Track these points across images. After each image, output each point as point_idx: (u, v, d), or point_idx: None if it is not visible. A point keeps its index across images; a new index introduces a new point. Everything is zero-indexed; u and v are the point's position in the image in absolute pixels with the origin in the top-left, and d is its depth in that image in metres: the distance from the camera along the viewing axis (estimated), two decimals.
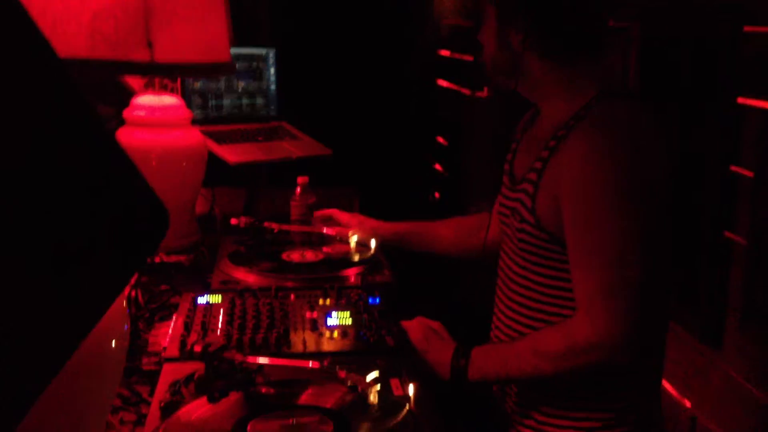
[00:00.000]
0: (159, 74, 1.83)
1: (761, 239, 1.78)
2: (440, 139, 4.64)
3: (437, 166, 4.65)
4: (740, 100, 1.85)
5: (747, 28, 1.86)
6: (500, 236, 1.56)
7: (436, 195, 4.59)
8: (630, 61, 2.41)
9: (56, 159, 0.55)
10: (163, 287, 1.76)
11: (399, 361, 1.36)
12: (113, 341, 0.96)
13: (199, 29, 1.60)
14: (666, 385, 2.04)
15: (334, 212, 2.00)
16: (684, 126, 2.13)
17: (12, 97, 0.52)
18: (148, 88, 1.97)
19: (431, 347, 1.43)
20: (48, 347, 0.55)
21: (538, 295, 1.41)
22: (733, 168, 1.89)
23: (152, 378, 1.33)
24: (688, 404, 1.70)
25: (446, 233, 1.89)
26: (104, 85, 2.09)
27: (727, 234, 1.91)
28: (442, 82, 4.60)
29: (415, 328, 1.47)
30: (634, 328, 1.24)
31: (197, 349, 1.27)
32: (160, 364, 1.36)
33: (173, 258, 1.91)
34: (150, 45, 1.50)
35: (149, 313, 1.62)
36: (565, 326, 1.30)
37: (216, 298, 1.61)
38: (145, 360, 1.41)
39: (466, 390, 1.39)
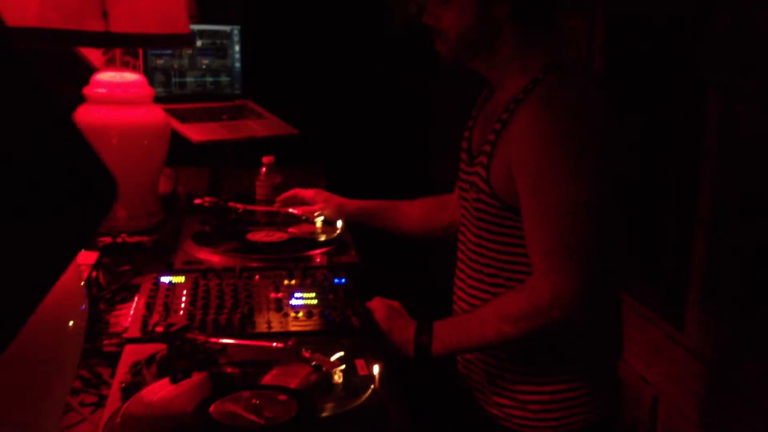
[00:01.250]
0: (114, 45, 1.79)
1: (723, 217, 1.80)
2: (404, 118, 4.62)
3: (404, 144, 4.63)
4: (705, 78, 1.86)
5: (711, 10, 1.87)
6: (459, 216, 1.59)
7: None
8: (595, 38, 2.41)
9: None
10: (125, 267, 1.73)
11: (364, 341, 1.35)
12: (71, 321, 0.93)
13: (156, 0, 1.56)
14: (628, 365, 2.06)
15: (296, 191, 1.99)
16: (649, 104, 2.14)
17: None
18: (110, 65, 1.93)
19: (395, 326, 1.44)
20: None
21: (495, 262, 1.46)
22: (698, 147, 1.90)
23: (113, 360, 1.31)
24: (650, 384, 1.73)
25: (411, 212, 1.90)
26: (62, 61, 2.04)
27: (691, 212, 1.93)
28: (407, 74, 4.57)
29: (379, 308, 1.48)
30: (589, 285, 1.30)
31: (159, 329, 1.25)
32: (121, 345, 1.33)
33: (135, 238, 1.88)
34: (105, 15, 1.46)
35: (111, 294, 1.59)
36: (525, 289, 1.35)
37: (179, 279, 1.59)
38: (106, 341, 1.38)
39: (431, 365, 1.41)
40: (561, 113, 1.33)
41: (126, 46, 1.89)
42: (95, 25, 1.47)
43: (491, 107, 1.53)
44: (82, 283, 1.03)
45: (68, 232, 0.58)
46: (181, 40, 1.72)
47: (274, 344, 1.25)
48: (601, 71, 2.39)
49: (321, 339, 1.33)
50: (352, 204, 1.94)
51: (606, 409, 1.50)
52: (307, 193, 1.97)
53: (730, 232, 1.78)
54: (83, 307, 0.99)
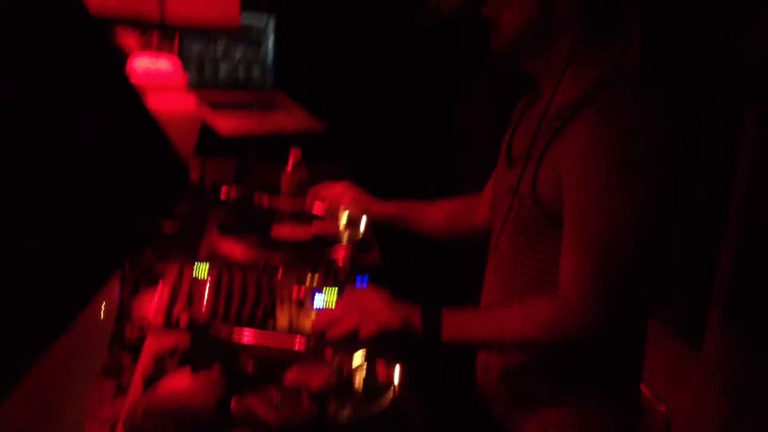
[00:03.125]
0: (169, 28, 1.80)
1: (750, 237, 1.78)
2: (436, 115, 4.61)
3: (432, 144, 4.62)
4: (740, 91, 1.84)
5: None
6: (489, 218, 1.57)
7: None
8: (632, 42, 2.39)
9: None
10: (149, 252, 1.74)
11: (385, 342, 1.35)
12: (103, 305, 0.94)
13: None
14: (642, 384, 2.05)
15: (324, 186, 1.97)
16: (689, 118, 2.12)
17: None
18: (146, 48, 1.93)
19: (397, 311, 1.39)
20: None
21: (529, 269, 1.42)
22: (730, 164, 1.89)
23: (135, 348, 1.32)
24: (662, 408, 1.72)
25: (435, 217, 1.88)
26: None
27: (719, 230, 1.91)
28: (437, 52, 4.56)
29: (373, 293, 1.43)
30: (623, 310, 1.28)
31: (183, 321, 1.26)
32: (143, 333, 1.34)
33: (162, 227, 1.89)
34: (161, 3, 1.46)
35: (135, 280, 1.60)
36: (557, 299, 1.31)
37: (203, 270, 1.59)
38: (128, 328, 1.39)
39: (439, 351, 1.38)
40: (621, 133, 1.28)
41: (180, 27, 1.90)
42: (152, 13, 1.48)
43: (537, 113, 1.50)
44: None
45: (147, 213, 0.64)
46: (232, 31, 1.73)
47: (297, 342, 1.26)
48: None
49: (342, 339, 1.33)
50: (376, 208, 1.92)
51: None
52: (336, 187, 1.96)
53: (756, 252, 1.77)
54: (116, 292, 0.99)
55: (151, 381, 1.16)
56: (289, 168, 2.11)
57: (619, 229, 1.27)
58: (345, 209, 1.92)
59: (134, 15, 1.45)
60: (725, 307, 1.85)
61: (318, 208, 1.97)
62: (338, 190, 1.94)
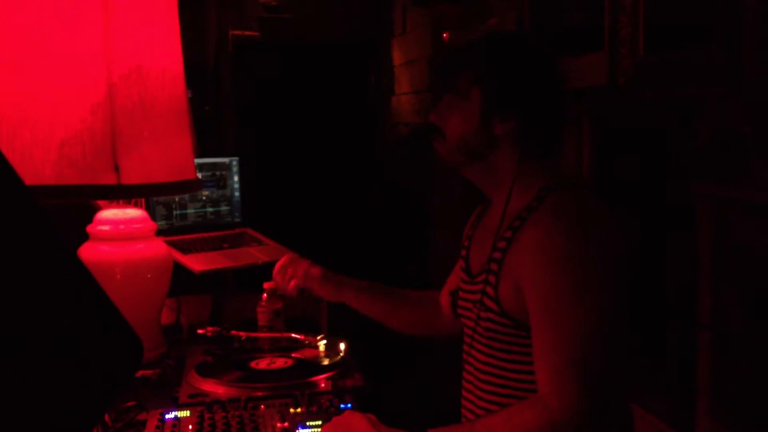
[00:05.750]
0: (127, 197, 1.86)
1: (725, 322, 1.81)
2: (405, 237, 4.68)
3: (410, 268, 4.67)
4: (692, 189, 1.91)
5: (694, 122, 1.94)
6: (454, 321, 1.60)
7: (411, 268, 4.57)
8: (584, 153, 2.49)
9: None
10: (130, 403, 1.72)
11: None
12: None
13: (165, 150, 1.62)
14: None
15: (289, 262, 1.91)
16: (641, 216, 2.19)
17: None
18: (112, 201, 1.98)
19: None
20: None
21: (506, 381, 1.44)
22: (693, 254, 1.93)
23: None
24: None
25: (402, 315, 1.87)
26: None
27: (692, 319, 1.94)
28: (403, 180, 4.68)
29: (358, 420, 1.42)
30: (600, 404, 1.30)
31: None
32: None
33: (139, 373, 1.87)
34: (117, 169, 1.52)
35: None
36: (538, 403, 1.32)
37: (184, 413, 1.58)
38: None
39: None
40: (571, 233, 1.33)
41: (138, 197, 1.96)
42: (108, 179, 1.52)
43: (490, 223, 1.54)
44: None
45: (98, 391, 0.61)
46: (189, 186, 1.78)
47: None
48: (590, 181, 2.45)
49: None
50: (347, 297, 1.87)
51: None
52: (303, 264, 1.88)
53: (733, 336, 1.79)
54: None
55: None
56: (263, 301, 2.12)
57: (587, 327, 1.30)
58: (311, 286, 1.86)
59: (92, 182, 1.50)
60: (713, 394, 1.85)
61: (296, 336, 1.98)
62: (304, 266, 1.89)
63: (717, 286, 1.82)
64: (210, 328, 2.01)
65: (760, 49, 1.69)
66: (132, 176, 1.55)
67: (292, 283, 1.87)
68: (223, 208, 2.66)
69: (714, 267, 1.83)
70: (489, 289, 1.44)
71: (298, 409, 1.59)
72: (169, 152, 1.63)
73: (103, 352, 0.61)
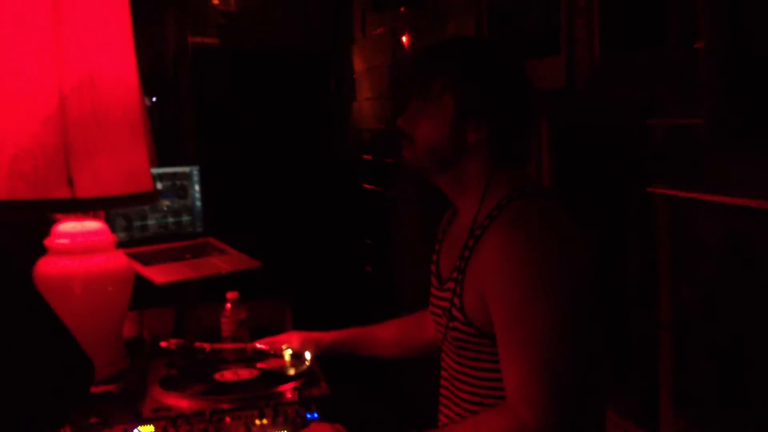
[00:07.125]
0: (81, 211, 1.82)
1: (686, 320, 1.83)
2: (367, 241, 4.68)
3: (367, 268, 4.67)
4: (649, 189, 1.93)
5: (650, 121, 1.97)
6: (437, 334, 1.59)
7: (368, 269, 4.59)
8: (542, 157, 2.51)
9: None
10: (93, 420, 1.69)
11: None
12: None
13: (120, 161, 1.60)
14: None
15: (269, 339, 1.98)
16: (600, 217, 2.21)
17: None
18: (70, 214, 1.94)
19: None
20: None
21: (479, 388, 1.44)
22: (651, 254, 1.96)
23: None
24: None
25: (386, 336, 1.90)
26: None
27: (653, 318, 1.96)
28: (367, 186, 4.69)
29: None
30: (568, 411, 1.28)
31: None
32: None
33: (101, 388, 1.84)
34: (71, 182, 1.49)
35: None
36: (507, 412, 1.31)
37: (148, 428, 1.55)
38: None
39: None
40: (532, 241, 1.32)
41: (93, 210, 1.93)
42: (62, 193, 1.49)
43: (457, 230, 1.54)
44: None
45: (50, 413, 0.60)
46: (146, 198, 1.75)
47: None
48: (549, 184, 2.47)
49: None
50: (327, 337, 1.94)
51: None
52: (281, 337, 1.97)
53: (694, 333, 1.81)
54: None
55: None
56: (227, 311, 2.10)
57: (550, 334, 1.29)
58: (289, 346, 1.93)
59: (45, 196, 1.47)
60: (675, 391, 1.88)
61: (260, 346, 1.97)
62: (284, 338, 1.95)
63: (676, 285, 1.85)
64: (173, 340, 1.99)
65: (713, 49, 1.72)
66: (86, 189, 1.52)
67: (268, 344, 1.97)
68: (185, 218, 2.64)
69: (673, 266, 1.85)
70: (454, 298, 1.43)
71: (264, 421, 1.58)
72: (124, 163, 1.60)
73: (51, 370, 0.61)
